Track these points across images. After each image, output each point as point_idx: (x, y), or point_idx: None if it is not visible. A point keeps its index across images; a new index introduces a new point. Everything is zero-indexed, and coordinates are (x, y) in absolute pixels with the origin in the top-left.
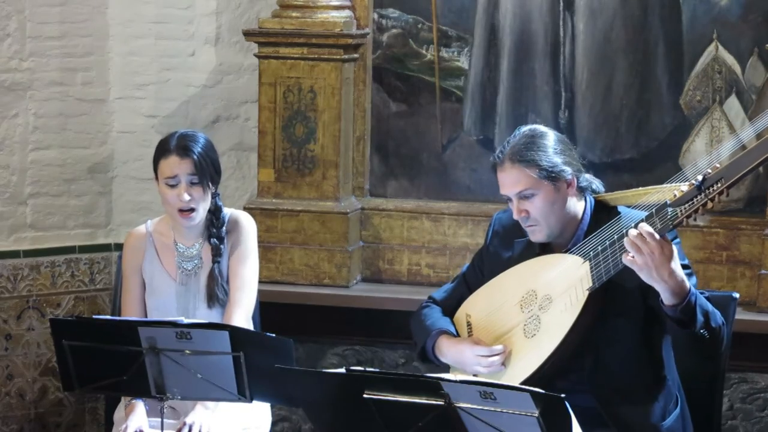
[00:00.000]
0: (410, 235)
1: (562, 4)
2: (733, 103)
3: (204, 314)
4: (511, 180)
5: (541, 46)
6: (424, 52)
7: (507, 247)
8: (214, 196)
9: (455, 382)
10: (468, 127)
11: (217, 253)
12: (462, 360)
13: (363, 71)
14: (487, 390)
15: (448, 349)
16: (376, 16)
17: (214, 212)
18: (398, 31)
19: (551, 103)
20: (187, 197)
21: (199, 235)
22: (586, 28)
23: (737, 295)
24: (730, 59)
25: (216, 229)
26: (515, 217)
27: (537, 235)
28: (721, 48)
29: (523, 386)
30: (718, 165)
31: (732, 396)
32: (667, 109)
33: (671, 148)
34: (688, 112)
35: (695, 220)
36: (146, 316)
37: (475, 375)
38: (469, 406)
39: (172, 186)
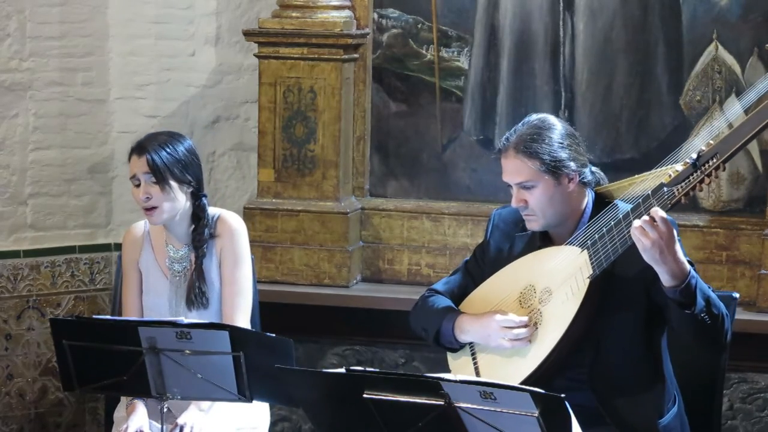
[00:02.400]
0: (410, 235)
1: (562, 4)
2: (733, 103)
3: (189, 316)
4: (512, 169)
5: (541, 46)
6: (424, 52)
7: (508, 242)
8: (198, 196)
9: (455, 382)
10: (468, 127)
11: (198, 255)
12: (487, 333)
13: (363, 71)
14: (487, 390)
15: (470, 325)
16: (376, 16)
17: (197, 212)
18: (398, 31)
19: (551, 103)
20: (142, 196)
21: (187, 237)
22: (586, 28)
23: (737, 295)
24: (730, 59)
25: (198, 230)
26: (513, 204)
27: (533, 224)
28: (721, 48)
29: (523, 386)
30: (711, 141)
31: (732, 396)
32: (667, 109)
33: (671, 148)
34: (688, 112)
35: (689, 197)
36: (143, 315)
37: (477, 369)
38: (469, 406)
39: (136, 185)
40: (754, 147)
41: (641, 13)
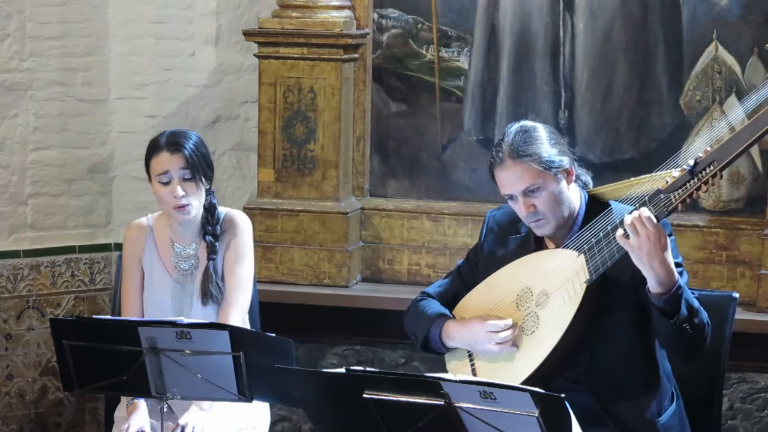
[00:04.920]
0: (410, 235)
1: (562, 4)
2: (733, 103)
3: (199, 312)
4: (515, 177)
5: (541, 46)
6: (424, 52)
7: (502, 245)
8: (209, 193)
9: (455, 382)
10: (468, 127)
11: (212, 251)
12: (473, 339)
13: (363, 71)
14: (487, 390)
15: (456, 331)
16: (376, 16)
17: (209, 209)
18: (398, 31)
19: (551, 103)
20: (180, 192)
21: (195, 234)
22: (586, 28)
23: (737, 295)
24: (730, 59)
25: (211, 226)
26: (523, 213)
27: (545, 228)
28: (721, 48)
29: (523, 386)
30: (708, 148)
31: (732, 396)
32: (667, 109)
33: (671, 148)
34: (688, 112)
35: (687, 204)
36: (144, 312)
37: (474, 372)
38: (469, 406)
39: (165, 183)
40: (754, 147)
41: (641, 13)
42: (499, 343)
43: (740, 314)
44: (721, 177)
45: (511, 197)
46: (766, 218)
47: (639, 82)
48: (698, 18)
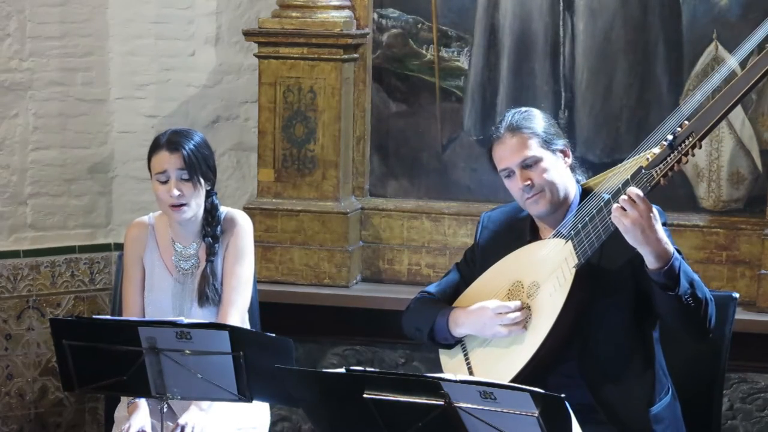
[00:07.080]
0: (410, 235)
1: (562, 4)
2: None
3: (197, 313)
4: (513, 148)
5: (541, 46)
6: (424, 52)
7: (497, 241)
8: (211, 194)
9: (455, 382)
10: (468, 127)
11: (210, 252)
12: (482, 322)
13: (363, 71)
14: (487, 390)
15: (466, 317)
16: (376, 16)
17: (210, 210)
18: (398, 31)
19: (551, 103)
20: (176, 192)
21: (196, 234)
22: (586, 28)
23: (737, 295)
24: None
25: (211, 227)
26: (519, 186)
27: (540, 204)
28: (721, 48)
29: (524, 386)
30: (686, 122)
31: (732, 396)
32: (667, 109)
33: None
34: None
35: (669, 178)
36: (145, 312)
37: (469, 365)
38: (469, 406)
39: (163, 182)
40: (754, 147)
41: (641, 13)
42: (508, 325)
43: (740, 314)
44: (701, 147)
45: (509, 175)
46: (766, 218)
47: (639, 82)
48: (698, 18)
